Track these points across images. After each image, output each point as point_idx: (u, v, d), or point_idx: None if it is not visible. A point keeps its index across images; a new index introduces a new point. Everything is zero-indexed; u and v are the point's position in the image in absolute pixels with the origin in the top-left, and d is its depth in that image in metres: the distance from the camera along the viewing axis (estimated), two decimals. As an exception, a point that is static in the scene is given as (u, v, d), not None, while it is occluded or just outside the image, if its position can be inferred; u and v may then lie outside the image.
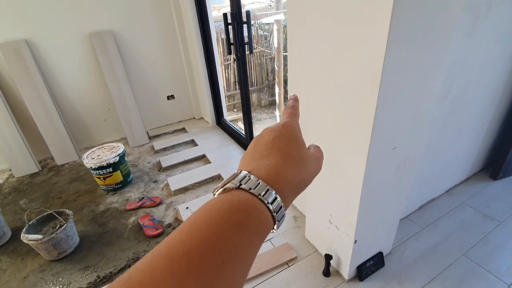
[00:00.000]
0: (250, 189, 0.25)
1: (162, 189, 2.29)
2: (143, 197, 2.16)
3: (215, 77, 3.06)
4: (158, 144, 3.01)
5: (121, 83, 2.86)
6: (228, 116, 3.46)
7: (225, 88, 6.35)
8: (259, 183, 0.25)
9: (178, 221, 1.91)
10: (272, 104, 6.73)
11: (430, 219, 1.74)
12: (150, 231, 1.82)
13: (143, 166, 2.66)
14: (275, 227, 0.26)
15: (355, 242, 1.23)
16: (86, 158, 2.20)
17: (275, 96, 5.23)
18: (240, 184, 0.25)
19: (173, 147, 2.97)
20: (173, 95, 3.40)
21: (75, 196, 2.31)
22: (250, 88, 6.49)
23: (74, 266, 1.65)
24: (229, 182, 0.26)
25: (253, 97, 6.67)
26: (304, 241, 1.61)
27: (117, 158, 2.21)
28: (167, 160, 2.66)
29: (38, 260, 1.69)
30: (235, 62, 2.42)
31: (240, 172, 0.27)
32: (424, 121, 1.09)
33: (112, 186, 2.28)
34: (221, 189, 0.26)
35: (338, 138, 1.10)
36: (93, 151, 2.30)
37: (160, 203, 2.11)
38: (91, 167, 2.16)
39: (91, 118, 3.04)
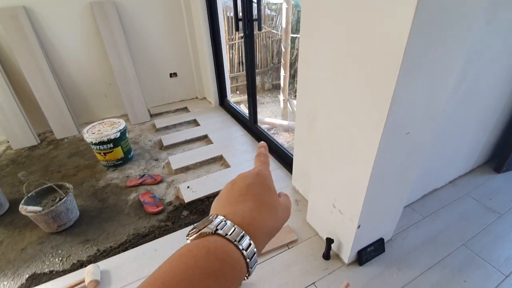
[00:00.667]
0: (226, 234, 0.25)
1: (163, 167, 2.27)
2: (144, 175, 2.14)
3: (220, 56, 2.97)
4: (160, 122, 2.96)
5: (123, 57, 2.77)
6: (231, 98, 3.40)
7: (229, 69, 6.22)
8: (234, 228, 0.26)
9: (179, 199, 1.90)
10: (276, 87, 6.62)
11: (432, 209, 1.74)
12: (150, 208, 1.81)
13: (144, 143, 2.63)
14: (246, 276, 0.26)
15: (359, 227, 1.22)
16: (87, 132, 2.16)
17: (279, 79, 5.12)
18: (217, 230, 0.25)
19: (174, 126, 2.93)
20: (175, 73, 3.31)
21: (75, 170, 2.29)
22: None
23: (74, 239, 1.65)
24: (205, 227, 0.26)
25: (257, 80, 6.56)
26: (305, 225, 1.61)
27: (118, 134, 2.17)
28: (168, 138, 2.63)
29: (37, 233, 1.69)
30: (243, 40, 2.33)
31: (216, 217, 0.27)
32: (438, 108, 1.05)
33: (113, 162, 2.26)
34: (196, 234, 0.25)
35: (349, 121, 1.06)
36: (93, 126, 2.25)
37: (161, 181, 2.09)
38: (92, 142, 2.12)
39: (91, 92, 2.97)
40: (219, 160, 2.33)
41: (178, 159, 2.31)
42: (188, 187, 1.97)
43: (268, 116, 5.40)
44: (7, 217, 1.84)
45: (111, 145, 2.16)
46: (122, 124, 2.26)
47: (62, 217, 1.67)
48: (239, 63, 5.95)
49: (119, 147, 2.22)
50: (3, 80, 2.40)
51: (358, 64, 0.94)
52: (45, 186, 1.74)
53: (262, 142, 0.41)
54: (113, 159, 2.24)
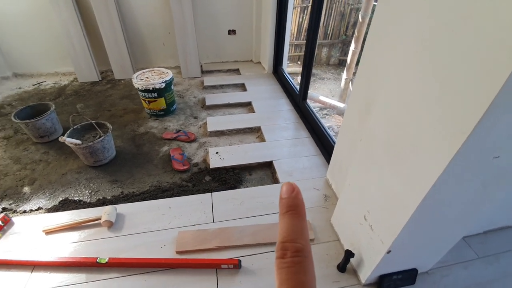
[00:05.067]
0: None
1: (200, 126, 2.24)
2: (180, 130, 2.14)
3: (284, 19, 2.66)
4: (209, 80, 2.90)
5: (184, 5, 2.68)
6: (288, 68, 3.13)
7: (295, 35, 5.77)
8: None
9: (205, 163, 1.86)
10: (342, 64, 6.00)
11: (493, 250, 1.37)
12: (177, 165, 1.81)
13: (188, 99, 2.62)
14: None
15: (388, 252, 0.99)
16: (136, 78, 2.20)
17: (348, 55, 4.56)
18: None
19: (222, 86, 2.84)
20: (234, 30, 3.13)
21: (122, 112, 2.40)
22: (322, 41, 5.78)
23: (105, 176, 1.76)
24: None
25: (323, 52, 5.99)
26: (328, 225, 1.42)
27: (163, 85, 2.16)
28: (212, 98, 2.56)
29: (78, 163, 1.84)
30: (311, 1, 2.00)
31: None
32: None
33: (155, 111, 2.30)
34: None
35: (415, 125, 0.79)
36: (143, 72, 2.28)
37: (194, 140, 2.07)
38: (138, 88, 2.16)
39: (151, 38, 3.01)
40: (256, 131, 2.19)
41: (215, 122, 2.24)
42: (217, 152, 1.90)
43: (325, 94, 4.97)
44: (59, 142, 2.04)
45: (155, 94, 2.18)
46: (169, 75, 2.24)
47: (99, 154, 1.77)
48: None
49: (163, 98, 2.23)
50: (75, 15, 2.54)
51: (457, 54, 0.64)
52: (87, 122, 1.85)
53: (290, 184, 0.23)
54: (156, 108, 2.28)
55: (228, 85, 2.85)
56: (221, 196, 1.55)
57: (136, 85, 2.16)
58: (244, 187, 1.69)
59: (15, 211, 1.53)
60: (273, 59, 2.98)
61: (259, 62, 3.34)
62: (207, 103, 2.49)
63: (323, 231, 1.39)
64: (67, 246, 1.31)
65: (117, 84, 2.85)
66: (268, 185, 1.69)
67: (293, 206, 0.21)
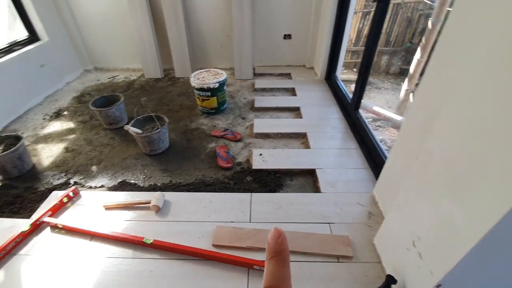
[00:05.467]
0: None
1: (247, 127, 2.30)
2: (227, 129, 2.23)
3: (342, 25, 2.58)
4: (260, 83, 2.96)
5: (244, 10, 2.78)
6: (342, 75, 3.02)
7: (353, 41, 5.54)
8: None
9: (248, 163, 1.90)
10: (403, 73, 5.57)
11: None
12: (221, 162, 1.88)
13: (238, 100, 2.71)
14: None
15: (438, 286, 0.89)
16: (193, 77, 2.36)
17: (411, 64, 4.20)
18: None
19: (272, 90, 2.87)
20: (290, 35, 3.14)
21: (178, 108, 2.60)
22: (383, 48, 5.44)
23: (158, 165, 1.92)
24: None
25: (383, 60, 5.64)
26: (370, 245, 1.33)
27: (217, 85, 2.27)
28: (261, 101, 2.60)
29: (137, 150, 2.04)
30: (375, 3, 1.90)
31: None
32: None
33: (207, 109, 2.43)
34: None
35: (486, 150, 0.69)
36: (200, 72, 2.43)
37: (239, 140, 2.13)
38: (194, 87, 2.31)
39: (211, 41, 3.19)
40: (301, 137, 2.16)
41: (262, 124, 2.27)
42: (260, 154, 1.93)
43: (380, 105, 4.66)
44: (124, 130, 2.29)
45: (209, 93, 2.30)
46: (223, 76, 2.35)
47: (154, 144, 1.94)
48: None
49: (215, 97, 2.35)
50: (148, 19, 2.83)
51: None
52: (148, 114, 2.04)
53: (277, 229, 0.25)
54: (208, 106, 2.41)
55: (278, 89, 2.87)
56: (260, 198, 1.57)
57: (192, 84, 2.31)
58: (284, 192, 1.68)
59: (83, 186, 1.77)
60: (327, 65, 2.90)
61: (312, 68, 3.28)
62: (256, 105, 2.54)
63: (363, 250, 1.31)
64: (121, 223, 1.47)
65: (177, 82, 3.09)
66: (308, 193, 1.65)
67: (278, 252, 0.22)
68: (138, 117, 2.02)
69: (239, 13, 2.79)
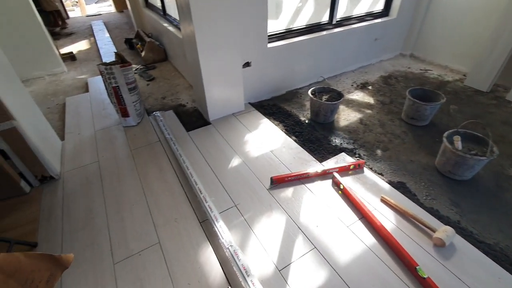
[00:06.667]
0: None
1: None
2: None
3: None
4: None
5: None
6: None
7: None
8: None
9: None
10: None
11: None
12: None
13: None
14: None
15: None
16: None
17: None
18: None
19: None
20: None
21: (498, 138, 1.97)
22: None
23: (448, 192, 1.57)
24: None
25: None
26: None
27: None
28: None
29: (428, 159, 1.77)
30: None
31: None
32: None
33: (553, 164, 1.65)
34: None
35: None
36: None
37: None
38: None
39: None
40: None
41: None
42: None
43: None
44: (428, 129, 2.08)
45: None
46: None
47: (460, 169, 1.57)
48: None
49: None
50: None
51: None
52: (477, 135, 1.63)
53: None
54: (560, 162, 1.61)
55: None
56: None
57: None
58: None
59: (365, 163, 1.79)
60: None
61: None
62: None
63: None
64: (390, 224, 1.35)
65: (504, 105, 2.34)
66: None
67: None
68: (459, 129, 1.68)
69: None
